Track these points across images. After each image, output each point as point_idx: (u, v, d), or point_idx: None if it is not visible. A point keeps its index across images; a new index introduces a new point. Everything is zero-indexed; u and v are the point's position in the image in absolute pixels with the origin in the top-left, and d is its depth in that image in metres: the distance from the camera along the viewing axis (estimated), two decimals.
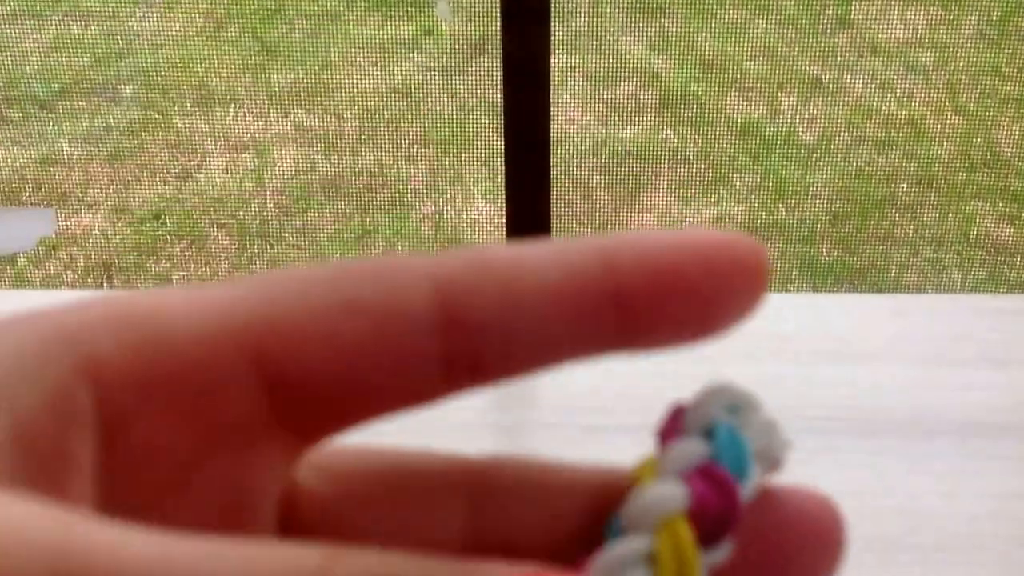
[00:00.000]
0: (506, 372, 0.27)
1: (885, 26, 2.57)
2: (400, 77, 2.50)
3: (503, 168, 1.63)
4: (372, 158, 2.29)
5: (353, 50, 2.57)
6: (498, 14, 1.57)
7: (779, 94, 2.41)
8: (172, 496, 0.26)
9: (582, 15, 2.60)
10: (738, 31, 2.56)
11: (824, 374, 0.74)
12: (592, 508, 0.28)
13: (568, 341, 0.27)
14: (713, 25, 2.58)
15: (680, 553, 0.25)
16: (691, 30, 2.57)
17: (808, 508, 0.28)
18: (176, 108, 2.41)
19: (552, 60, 1.62)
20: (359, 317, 0.26)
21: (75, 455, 0.25)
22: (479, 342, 0.26)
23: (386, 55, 2.56)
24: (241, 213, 2.22)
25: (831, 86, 2.44)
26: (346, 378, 0.26)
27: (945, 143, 2.31)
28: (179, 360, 0.25)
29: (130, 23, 2.62)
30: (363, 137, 2.36)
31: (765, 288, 0.27)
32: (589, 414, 0.70)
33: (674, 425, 0.27)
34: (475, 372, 0.27)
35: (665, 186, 2.22)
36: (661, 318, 0.27)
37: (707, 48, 2.53)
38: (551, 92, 1.64)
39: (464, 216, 2.19)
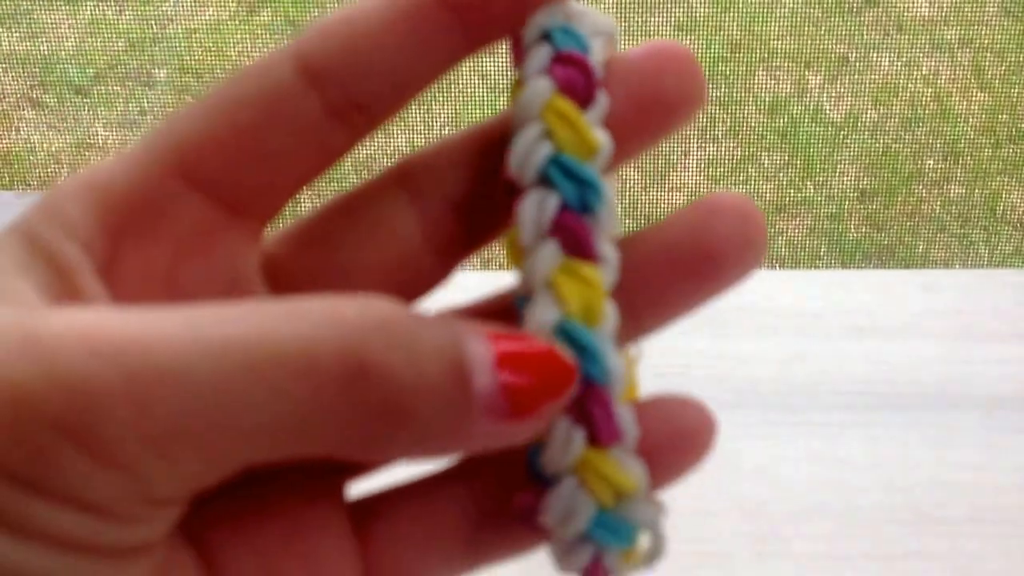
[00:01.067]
0: (393, 103, 0.33)
1: (910, 4, 2.57)
2: None
3: None
4: (404, 139, 2.30)
5: None
6: None
7: (806, 73, 2.41)
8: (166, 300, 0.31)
9: None
10: (765, 11, 2.56)
11: (853, 350, 0.75)
12: (494, 138, 0.34)
13: (426, 57, 0.32)
14: (740, 5, 2.58)
15: (567, 118, 0.31)
16: (718, 10, 2.57)
17: (666, 49, 0.32)
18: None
19: None
20: (243, 106, 0.31)
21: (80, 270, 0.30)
22: (350, 86, 0.32)
23: None
24: None
25: (857, 64, 2.44)
26: (261, 158, 0.31)
27: (971, 120, 2.31)
28: (124, 202, 0.31)
29: (164, 8, 2.63)
30: (394, 119, 2.37)
31: None
32: None
33: (519, 53, 0.32)
34: (365, 112, 0.32)
35: (694, 165, 2.23)
36: (490, 13, 0.32)
37: (734, 28, 2.53)
38: None
39: None
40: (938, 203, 2.15)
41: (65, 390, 0.25)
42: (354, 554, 0.33)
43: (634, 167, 2.22)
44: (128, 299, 0.30)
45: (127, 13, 2.62)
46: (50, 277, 0.29)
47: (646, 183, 2.20)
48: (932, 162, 2.23)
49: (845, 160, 2.23)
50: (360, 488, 0.34)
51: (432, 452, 0.29)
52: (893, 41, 2.49)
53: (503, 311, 0.33)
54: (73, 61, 2.49)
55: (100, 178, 0.30)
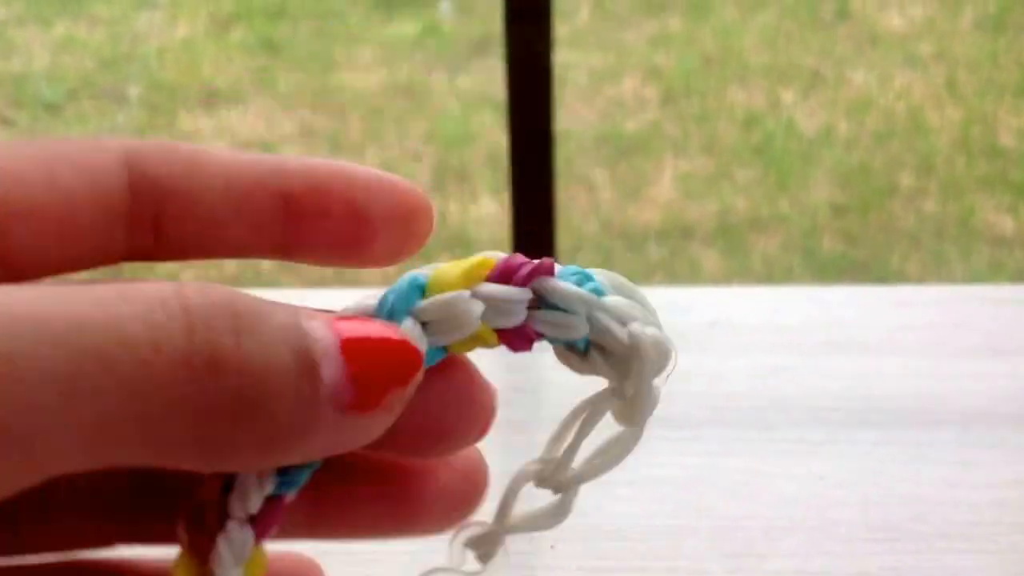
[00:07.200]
0: (183, 246, 0.31)
1: (884, 19, 2.58)
2: (404, 76, 2.51)
3: (507, 165, 1.64)
4: (377, 157, 2.30)
5: (357, 49, 2.58)
6: (501, 11, 1.58)
7: (780, 87, 2.42)
8: None
9: (584, 11, 2.61)
10: (739, 25, 2.57)
11: (827, 365, 0.74)
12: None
13: (238, 229, 0.31)
14: (714, 20, 2.59)
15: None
16: (692, 25, 2.58)
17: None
18: (182, 109, 2.42)
19: (555, 56, 1.63)
20: (60, 160, 0.30)
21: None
22: (161, 203, 0.30)
23: (390, 54, 2.57)
24: None
25: (831, 79, 2.45)
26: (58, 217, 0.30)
27: (944, 134, 2.32)
28: None
29: (136, 26, 2.63)
30: (368, 136, 2.37)
31: (422, 230, 0.32)
32: None
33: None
34: (157, 235, 0.31)
35: (668, 180, 2.23)
36: (320, 230, 0.31)
37: (708, 42, 2.54)
38: (554, 88, 1.65)
39: (469, 213, 2.20)
40: (912, 218, 2.16)
41: None
42: None
43: (608, 183, 2.23)
44: None
45: (99, 32, 2.62)
46: None
47: (620, 198, 2.20)
48: (906, 177, 2.23)
49: (819, 175, 2.24)
50: None
51: (273, 455, 0.27)
52: (866, 56, 2.50)
53: None
54: (46, 79, 2.49)
55: None
